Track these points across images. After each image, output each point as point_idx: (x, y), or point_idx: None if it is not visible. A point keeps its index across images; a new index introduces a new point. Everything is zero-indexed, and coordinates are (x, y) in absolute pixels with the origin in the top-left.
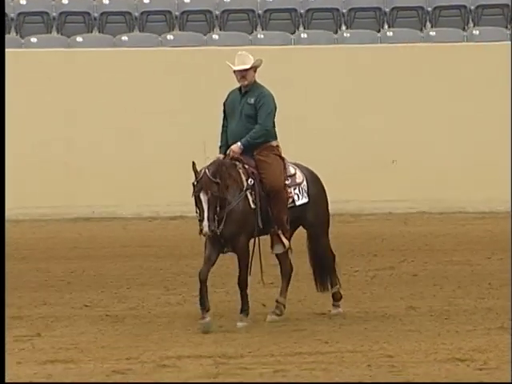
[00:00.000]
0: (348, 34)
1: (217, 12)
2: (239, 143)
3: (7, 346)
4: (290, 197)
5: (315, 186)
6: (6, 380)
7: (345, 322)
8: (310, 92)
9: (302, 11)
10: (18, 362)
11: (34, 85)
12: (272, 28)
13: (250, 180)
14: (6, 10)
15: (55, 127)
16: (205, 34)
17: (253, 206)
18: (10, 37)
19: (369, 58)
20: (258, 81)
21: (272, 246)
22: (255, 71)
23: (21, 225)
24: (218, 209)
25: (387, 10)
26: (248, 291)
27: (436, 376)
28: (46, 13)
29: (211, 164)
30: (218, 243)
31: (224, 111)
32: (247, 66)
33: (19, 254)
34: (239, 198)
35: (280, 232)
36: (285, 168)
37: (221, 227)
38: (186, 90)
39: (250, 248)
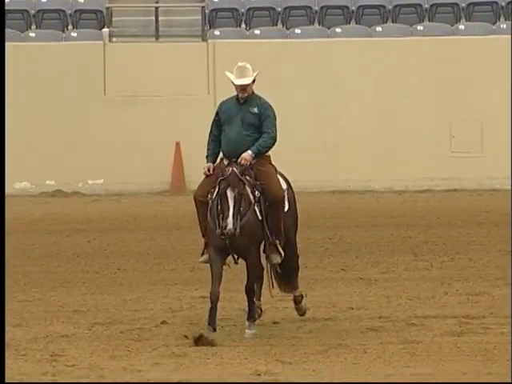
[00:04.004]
0: None
1: (463, 4)
2: (250, 151)
3: (269, 305)
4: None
5: (290, 189)
6: None
7: None
8: None
9: None
10: (282, 318)
11: (297, 69)
12: None
13: (256, 192)
14: (274, 5)
15: (315, 109)
16: (452, 25)
17: (260, 217)
18: (277, 28)
19: None
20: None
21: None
22: (254, 82)
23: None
24: (241, 209)
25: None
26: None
27: None
28: (309, 7)
29: (232, 164)
30: (222, 255)
31: (216, 121)
32: (248, 81)
33: None
34: (249, 211)
35: (277, 242)
36: None
37: (237, 231)
38: (433, 75)
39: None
